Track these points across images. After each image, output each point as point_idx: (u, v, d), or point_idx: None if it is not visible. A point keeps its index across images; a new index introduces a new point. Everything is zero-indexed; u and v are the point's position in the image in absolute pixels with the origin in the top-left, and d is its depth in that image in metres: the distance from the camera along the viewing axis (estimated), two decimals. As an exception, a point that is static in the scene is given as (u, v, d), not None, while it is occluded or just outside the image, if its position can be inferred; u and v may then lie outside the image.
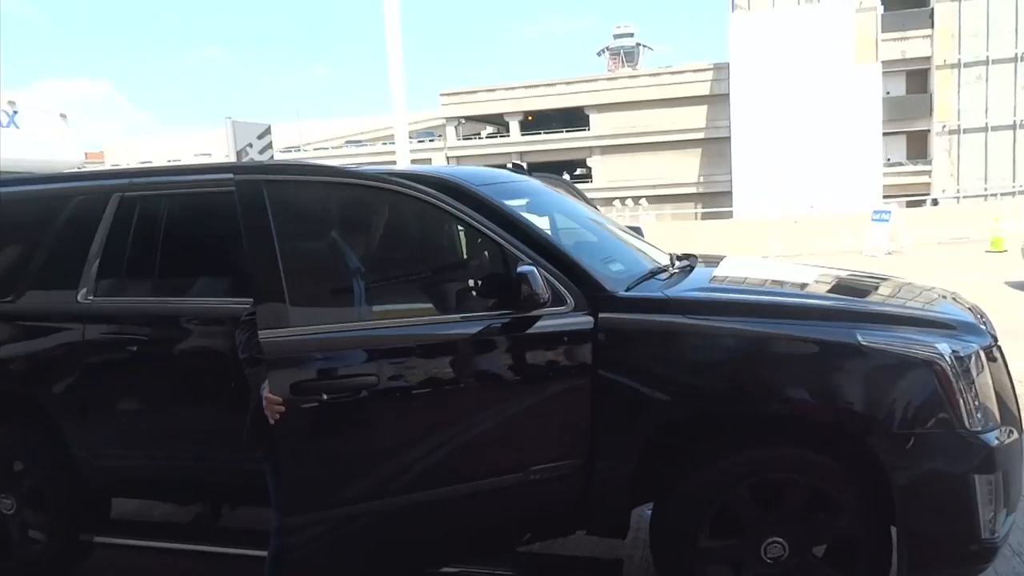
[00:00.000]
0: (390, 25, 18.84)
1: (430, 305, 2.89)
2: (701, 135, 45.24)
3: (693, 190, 44.94)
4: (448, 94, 50.36)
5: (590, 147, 48.21)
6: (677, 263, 3.78)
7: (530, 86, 49.07)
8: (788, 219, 20.89)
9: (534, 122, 50.21)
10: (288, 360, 2.51)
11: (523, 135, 49.86)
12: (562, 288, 2.86)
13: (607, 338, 2.87)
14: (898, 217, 18.27)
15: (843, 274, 3.91)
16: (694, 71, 45.50)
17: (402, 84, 19.33)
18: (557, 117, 49.74)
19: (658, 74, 47.10)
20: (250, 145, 20.78)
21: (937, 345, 2.73)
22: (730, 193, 40.11)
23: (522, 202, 3.68)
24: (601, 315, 2.89)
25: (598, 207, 4.83)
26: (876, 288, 3.65)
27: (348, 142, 50.19)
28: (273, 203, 2.48)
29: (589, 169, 49.35)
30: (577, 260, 3.01)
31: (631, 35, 53.34)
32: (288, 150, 52.87)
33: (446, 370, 2.79)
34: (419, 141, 51.61)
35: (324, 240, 2.78)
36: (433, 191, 2.81)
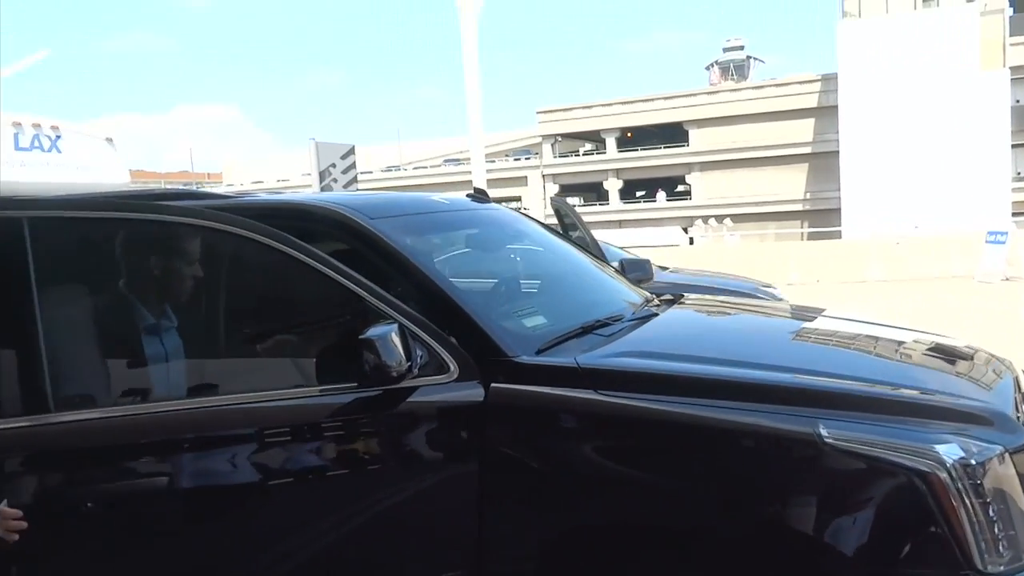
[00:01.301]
0: (467, 49, 18.67)
1: (277, 374, 2.31)
2: (807, 149, 42.98)
3: (799, 207, 42.71)
4: (544, 112, 50.14)
5: (689, 163, 46.79)
6: (641, 309, 3.08)
7: (627, 102, 48.17)
8: (890, 240, 19.10)
9: (632, 138, 49.28)
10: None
11: (620, 152, 48.96)
12: (442, 352, 2.24)
13: (498, 416, 2.24)
14: (1018, 239, 16.28)
15: (873, 331, 3.06)
16: (800, 83, 43.37)
17: (479, 107, 19.12)
18: (656, 133, 48.64)
19: (762, 87, 45.20)
20: (333, 165, 21.04)
21: (937, 446, 1.94)
22: (839, 211, 37.75)
23: (459, 235, 3.10)
24: (493, 386, 2.25)
25: (582, 234, 4.13)
26: (895, 354, 2.80)
27: (446, 160, 50.83)
28: (37, 245, 1.98)
29: (688, 186, 47.91)
30: (471, 315, 2.37)
31: (741, 48, 51.58)
32: (389, 169, 54.21)
33: (276, 464, 2.22)
34: (515, 159, 51.74)
35: (107, 293, 2.25)
36: (261, 228, 2.23)
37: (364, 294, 2.23)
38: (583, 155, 51.87)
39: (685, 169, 47.23)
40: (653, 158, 47.59)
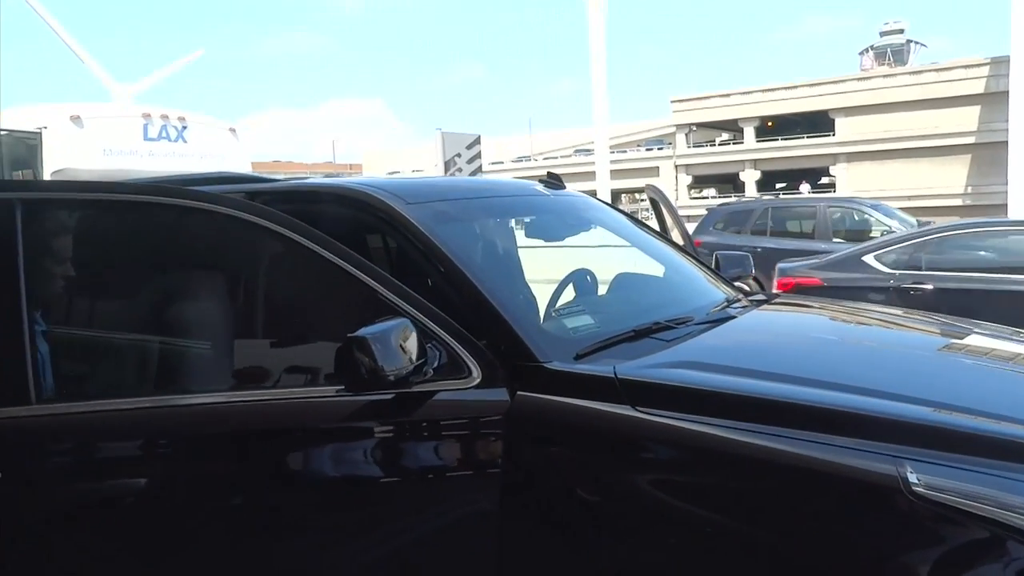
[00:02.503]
0: (594, 37, 18.24)
1: (275, 371, 2.14)
2: (970, 140, 39.31)
3: (958, 202, 39.19)
4: (679, 100, 48.63)
5: (834, 154, 44.01)
6: (719, 310, 2.71)
7: (768, 90, 45.87)
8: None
9: (772, 128, 46.97)
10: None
11: (759, 141, 46.77)
12: (463, 353, 2.01)
13: (521, 430, 1.99)
14: None
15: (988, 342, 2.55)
16: (965, 67, 39.67)
17: (604, 95, 18.70)
18: (799, 122, 46.09)
19: (920, 72, 41.74)
20: (458, 155, 21.31)
21: None
22: (1005, 207, 34.27)
23: (512, 222, 2.84)
24: (518, 395, 1.98)
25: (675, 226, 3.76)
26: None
27: (577, 150, 50.42)
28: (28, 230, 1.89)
29: (833, 178, 45.13)
30: (501, 312, 2.11)
31: (901, 31, 47.86)
32: (519, 159, 54.56)
33: (269, 469, 2.04)
34: (647, 149, 50.69)
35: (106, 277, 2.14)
36: (268, 212, 2.06)
37: (375, 285, 2.01)
38: (719, 145, 50.01)
39: (830, 160, 44.51)
40: (794, 148, 45.16)
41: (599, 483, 1.91)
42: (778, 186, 48.01)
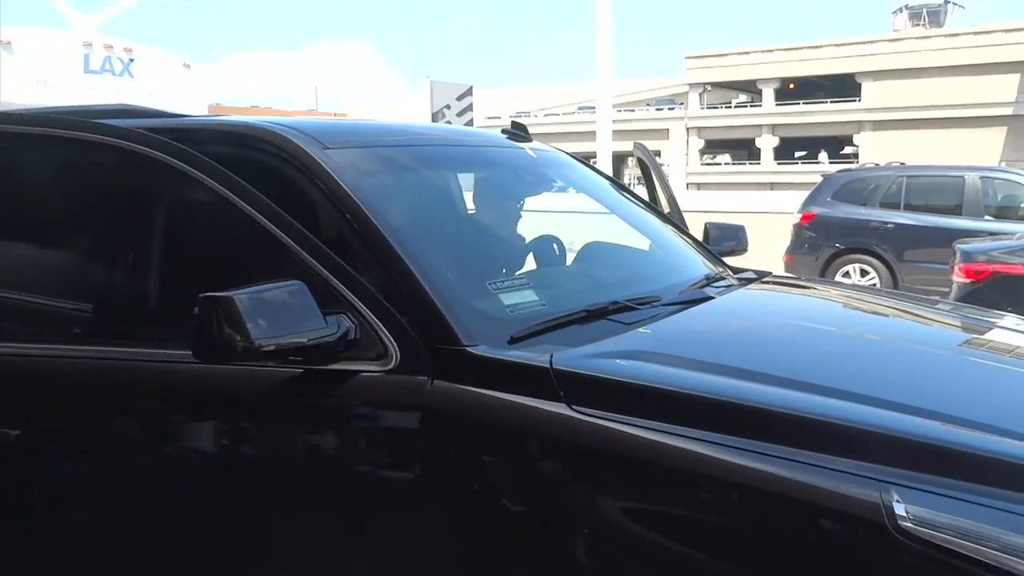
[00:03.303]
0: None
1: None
2: (1008, 111, 39.01)
3: (991, 178, 39.02)
4: (694, 57, 48.16)
5: (859, 121, 43.74)
6: (695, 289, 2.50)
7: (791, 48, 45.44)
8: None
9: (794, 91, 46.56)
10: None
11: (778, 105, 46.39)
12: (381, 329, 1.81)
13: (437, 426, 1.79)
14: None
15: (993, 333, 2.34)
16: (1006, 31, 39.21)
17: (609, 48, 18.33)
18: (822, 85, 45.73)
19: (957, 35, 41.29)
20: (448, 107, 20.94)
21: None
22: (1040, 184, 34.11)
23: (459, 177, 2.62)
24: (436, 383, 1.78)
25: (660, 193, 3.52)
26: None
27: (580, 108, 49.94)
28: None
29: (856, 147, 44.82)
30: (421, 283, 1.89)
31: (940, -11, 47.30)
32: (518, 115, 54.04)
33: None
34: (656, 109, 50.25)
35: None
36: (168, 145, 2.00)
37: (278, 235, 1.87)
38: (735, 107, 49.60)
39: (854, 128, 44.23)
40: (817, 113, 44.84)
41: (525, 496, 1.70)
42: (797, 154, 47.71)
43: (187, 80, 9.43)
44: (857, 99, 43.79)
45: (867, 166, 12.12)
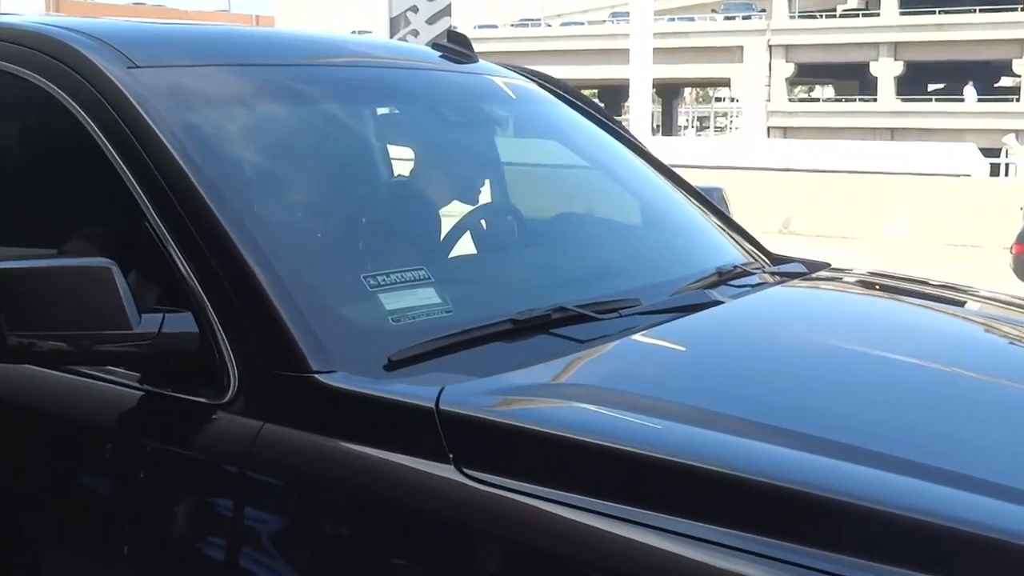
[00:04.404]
0: None
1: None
2: None
3: None
4: (781, -58, 48.29)
5: (1022, 39, 43.78)
6: (708, 283, 2.57)
7: (924, -69, 45.57)
8: None
9: (928, -6, 46.77)
10: None
11: (903, 14, 46.53)
12: (221, 342, 1.89)
13: (262, 491, 1.84)
14: None
15: None
16: None
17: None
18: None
19: None
20: (414, 9, 21.01)
21: None
22: None
23: (345, 117, 2.66)
24: (266, 427, 1.81)
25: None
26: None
27: (613, 14, 50.16)
28: None
29: (1019, 78, 45.00)
30: (254, 274, 1.90)
31: None
32: (523, 23, 54.27)
33: None
34: (725, 18, 50.36)
35: None
36: None
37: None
38: (841, 16, 49.78)
39: (1015, 49, 44.38)
40: (959, 28, 45.20)
41: None
42: (931, 87, 47.85)
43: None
44: (1019, 7, 43.91)
45: None
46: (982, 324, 2.88)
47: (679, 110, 64.30)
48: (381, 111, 2.86)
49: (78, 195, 2.29)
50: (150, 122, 2.06)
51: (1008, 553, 1.43)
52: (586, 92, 3.57)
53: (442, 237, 2.61)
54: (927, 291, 3.02)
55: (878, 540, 1.46)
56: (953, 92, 46.36)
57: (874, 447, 1.69)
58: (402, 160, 2.77)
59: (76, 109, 2.11)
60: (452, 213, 2.66)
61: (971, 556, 1.44)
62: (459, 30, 3.20)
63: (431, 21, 21.04)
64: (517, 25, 54.23)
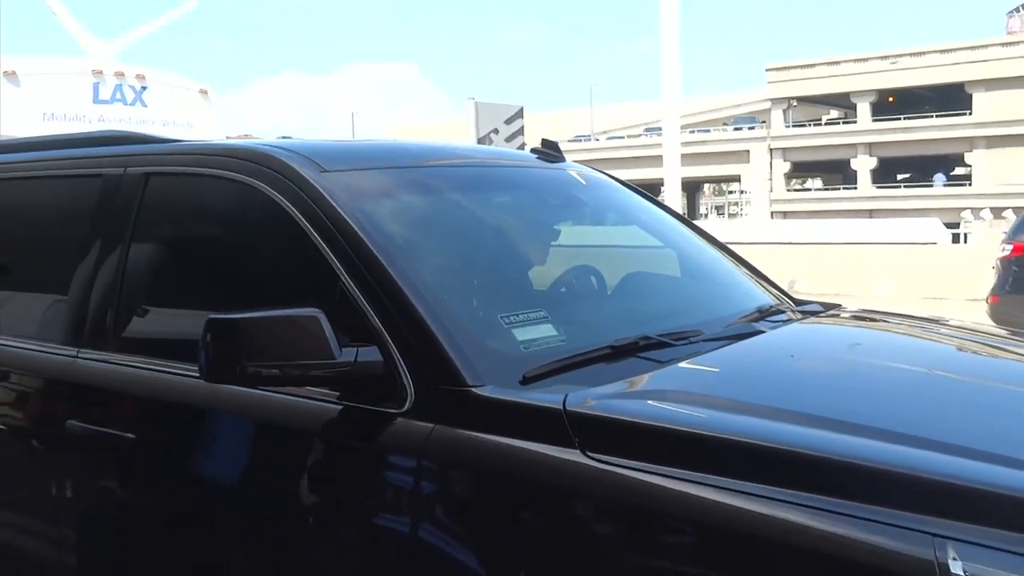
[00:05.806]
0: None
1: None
2: None
3: None
4: (776, 69, 48.09)
5: (971, 137, 43.00)
6: (744, 322, 2.51)
7: (888, 56, 45.03)
8: None
9: (894, 104, 46.04)
10: None
11: (876, 121, 45.87)
12: (400, 367, 1.94)
13: (437, 477, 1.87)
14: None
15: None
16: None
17: (675, 56, 18.42)
18: (927, 98, 45.18)
19: (1084, 35, 40.48)
20: (495, 131, 21.16)
21: None
22: None
23: (475, 201, 2.71)
24: (436, 429, 1.85)
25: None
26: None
27: (647, 129, 50.15)
28: None
29: (969, 168, 43.98)
30: (422, 316, 1.96)
31: (1060, -13, 46.71)
32: (577, 139, 54.44)
33: None
34: (735, 129, 50.08)
35: None
36: None
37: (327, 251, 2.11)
38: (825, 124, 49.20)
39: (965, 145, 43.50)
40: (921, 130, 44.30)
41: (533, 553, 1.71)
42: (899, 177, 46.97)
43: (203, 108, 9.75)
44: (968, 112, 43.04)
45: None
46: (966, 341, 2.84)
47: (700, 201, 63.77)
48: (506, 198, 2.90)
49: (291, 265, 2.35)
50: (337, 208, 2.15)
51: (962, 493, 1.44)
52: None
53: (551, 287, 2.67)
54: (915, 322, 2.99)
55: (890, 491, 1.47)
56: (919, 179, 45.40)
57: (882, 426, 1.70)
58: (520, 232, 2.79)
59: (286, 204, 2.23)
60: (554, 272, 2.71)
61: (920, 490, 1.45)
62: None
63: (508, 139, 21.24)
64: (572, 140, 54.43)
